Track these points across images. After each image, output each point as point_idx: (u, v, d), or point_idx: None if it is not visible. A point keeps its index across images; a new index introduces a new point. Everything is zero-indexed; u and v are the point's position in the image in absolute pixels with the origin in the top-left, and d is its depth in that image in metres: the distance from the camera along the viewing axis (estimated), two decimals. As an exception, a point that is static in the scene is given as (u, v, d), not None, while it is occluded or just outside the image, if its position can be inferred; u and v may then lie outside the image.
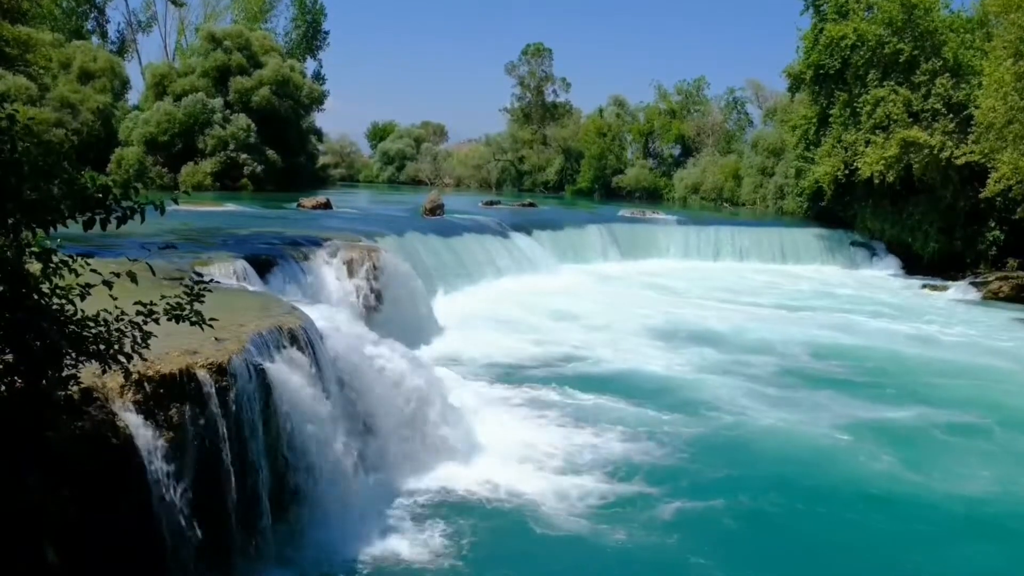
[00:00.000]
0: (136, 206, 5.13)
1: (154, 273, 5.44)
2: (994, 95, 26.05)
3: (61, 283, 5.11)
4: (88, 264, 5.31)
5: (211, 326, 5.80)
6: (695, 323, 20.90)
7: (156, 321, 5.56)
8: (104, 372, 5.72)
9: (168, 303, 5.58)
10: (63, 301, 5.13)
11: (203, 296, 5.70)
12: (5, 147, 4.84)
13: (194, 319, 5.64)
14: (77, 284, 5.16)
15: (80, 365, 5.31)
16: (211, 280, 5.91)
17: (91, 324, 5.27)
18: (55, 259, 5.00)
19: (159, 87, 49.18)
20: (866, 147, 32.51)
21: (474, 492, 9.84)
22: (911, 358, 18.14)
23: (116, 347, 5.36)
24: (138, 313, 5.48)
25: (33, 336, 4.98)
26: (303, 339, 8.92)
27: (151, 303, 5.52)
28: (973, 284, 29.07)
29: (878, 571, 8.79)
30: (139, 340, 5.47)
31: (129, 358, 5.48)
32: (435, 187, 59.03)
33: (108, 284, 5.17)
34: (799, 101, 40.77)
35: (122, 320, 5.45)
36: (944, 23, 33.22)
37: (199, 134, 47.06)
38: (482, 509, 9.43)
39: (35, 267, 4.96)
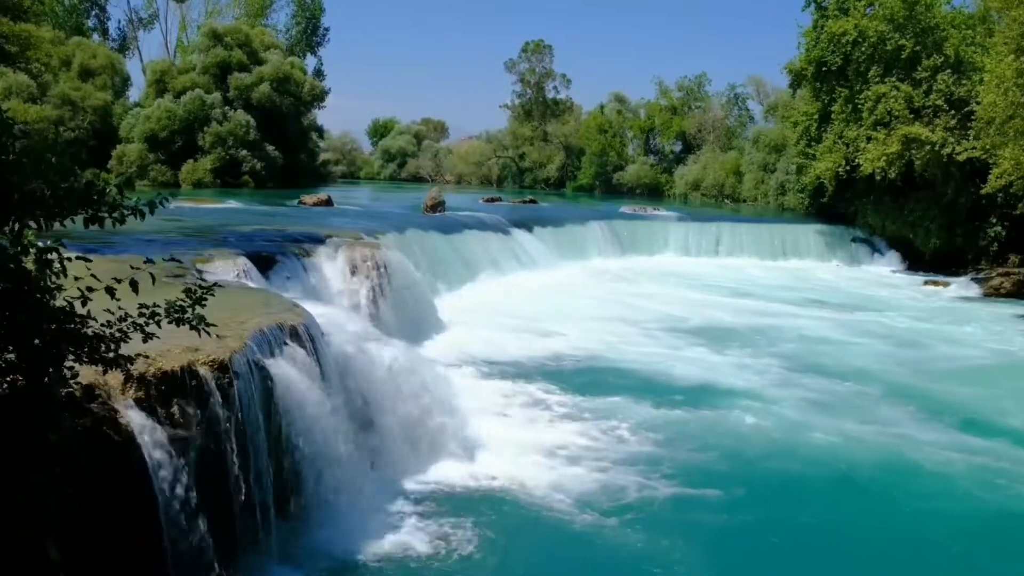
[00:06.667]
0: (136, 205, 5.12)
1: (154, 281, 5.41)
2: (995, 91, 25.97)
3: (61, 282, 5.10)
4: (88, 260, 5.30)
5: (208, 333, 5.79)
6: (698, 319, 20.89)
7: (158, 324, 5.55)
8: (105, 373, 5.72)
9: (170, 305, 5.58)
10: (64, 303, 5.12)
11: (205, 300, 5.69)
12: (9, 147, 4.84)
13: (195, 323, 5.64)
14: (79, 286, 5.14)
15: (80, 364, 5.31)
16: (214, 284, 5.90)
17: (92, 324, 5.26)
18: (53, 256, 4.99)
19: (160, 84, 49.23)
20: (867, 143, 32.48)
21: (476, 488, 9.85)
22: (921, 358, 17.94)
23: (115, 348, 5.35)
24: (140, 314, 5.48)
25: (34, 334, 4.98)
26: (305, 336, 8.92)
27: (154, 305, 5.51)
28: (975, 280, 29.06)
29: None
30: (127, 345, 5.45)
31: (130, 360, 5.49)
32: (436, 184, 59.00)
33: (110, 292, 5.14)
34: (800, 97, 40.71)
35: (125, 321, 5.45)
36: (946, 19, 33.18)
37: (199, 131, 47.07)
38: (484, 505, 9.43)
39: (29, 263, 4.95)
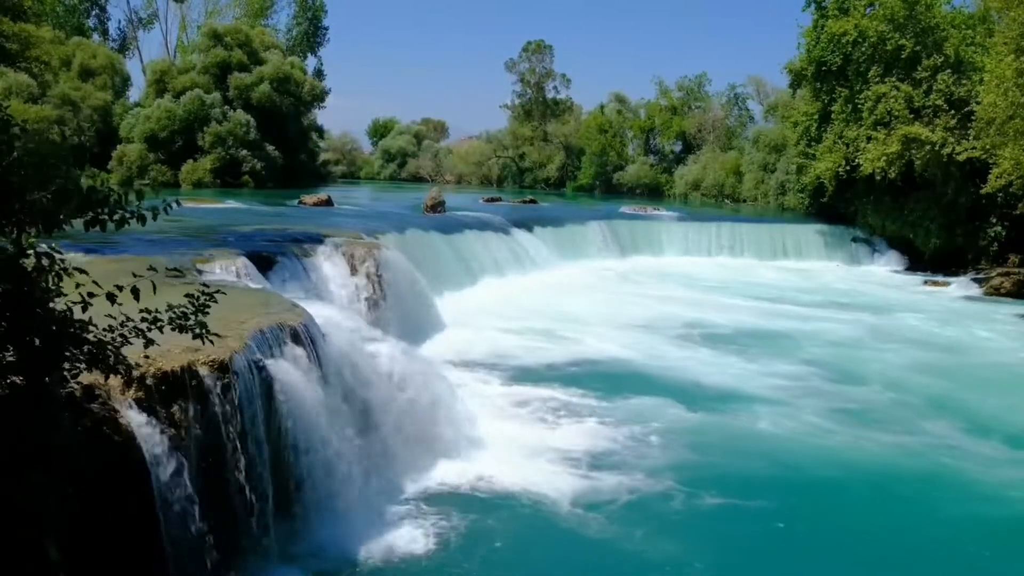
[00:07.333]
0: (137, 210, 5.11)
1: (155, 290, 5.41)
2: (995, 91, 25.98)
3: (61, 284, 5.10)
4: (84, 272, 5.30)
5: (211, 342, 5.79)
6: (699, 320, 20.84)
7: (160, 330, 5.55)
8: (107, 379, 5.72)
9: (173, 312, 5.58)
10: (65, 307, 5.12)
11: (208, 307, 5.70)
12: (12, 147, 4.85)
13: (197, 330, 5.64)
14: (80, 292, 5.13)
15: (80, 365, 5.31)
16: (217, 291, 5.90)
17: (93, 329, 5.26)
18: (53, 259, 4.98)
19: (160, 84, 49.21)
20: (867, 143, 32.50)
21: (475, 489, 9.84)
22: (949, 364, 17.68)
23: (113, 353, 5.35)
24: (143, 319, 5.48)
25: (35, 335, 4.98)
26: (304, 336, 8.92)
27: (156, 311, 5.51)
28: (975, 280, 29.15)
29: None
30: (128, 349, 5.44)
31: (130, 368, 5.49)
32: (436, 184, 58.96)
33: (111, 297, 5.14)
34: (800, 97, 40.69)
35: (126, 327, 5.45)
36: (946, 19, 33.20)
37: (199, 131, 47.07)
38: (483, 506, 9.43)
39: (29, 265, 4.95)
